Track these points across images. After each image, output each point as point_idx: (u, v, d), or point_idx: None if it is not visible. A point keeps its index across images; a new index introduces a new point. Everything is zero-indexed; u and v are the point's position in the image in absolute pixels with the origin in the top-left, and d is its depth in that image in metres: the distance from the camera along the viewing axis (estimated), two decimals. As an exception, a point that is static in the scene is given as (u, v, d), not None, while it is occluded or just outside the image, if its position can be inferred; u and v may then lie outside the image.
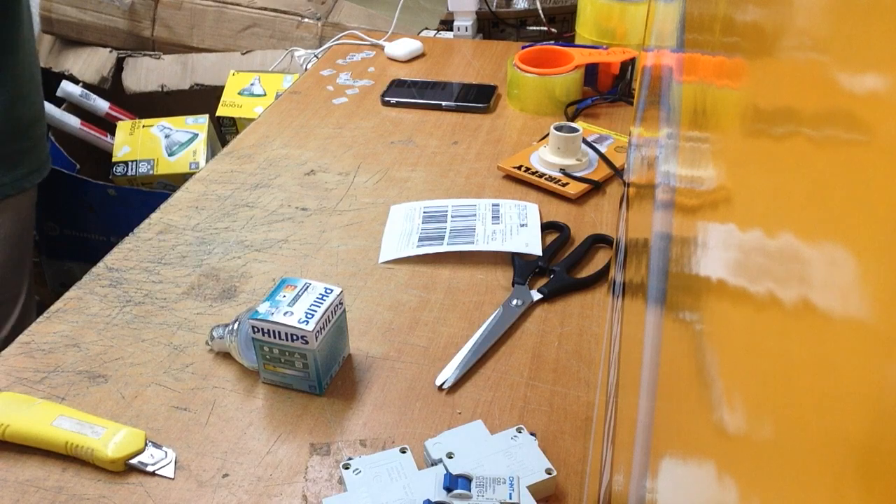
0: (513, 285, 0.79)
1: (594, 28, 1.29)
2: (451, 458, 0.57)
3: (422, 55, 1.38)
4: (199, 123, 1.62)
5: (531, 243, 0.84)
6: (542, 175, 0.96)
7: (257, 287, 0.80)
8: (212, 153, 1.60)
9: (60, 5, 1.78)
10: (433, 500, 0.53)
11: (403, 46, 1.36)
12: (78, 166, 1.53)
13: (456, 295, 0.78)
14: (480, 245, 0.84)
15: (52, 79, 1.71)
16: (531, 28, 1.60)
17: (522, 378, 0.68)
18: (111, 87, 1.75)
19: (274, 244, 0.86)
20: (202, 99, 1.73)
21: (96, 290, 0.79)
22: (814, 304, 0.14)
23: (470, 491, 0.53)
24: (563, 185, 0.94)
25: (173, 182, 1.52)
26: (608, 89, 1.20)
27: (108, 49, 1.80)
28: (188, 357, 0.70)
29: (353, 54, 1.40)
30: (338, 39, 1.48)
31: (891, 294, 0.11)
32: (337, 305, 0.66)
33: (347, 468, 0.57)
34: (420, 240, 0.85)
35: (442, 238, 0.85)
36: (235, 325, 0.67)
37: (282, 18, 1.89)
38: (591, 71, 1.19)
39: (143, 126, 1.60)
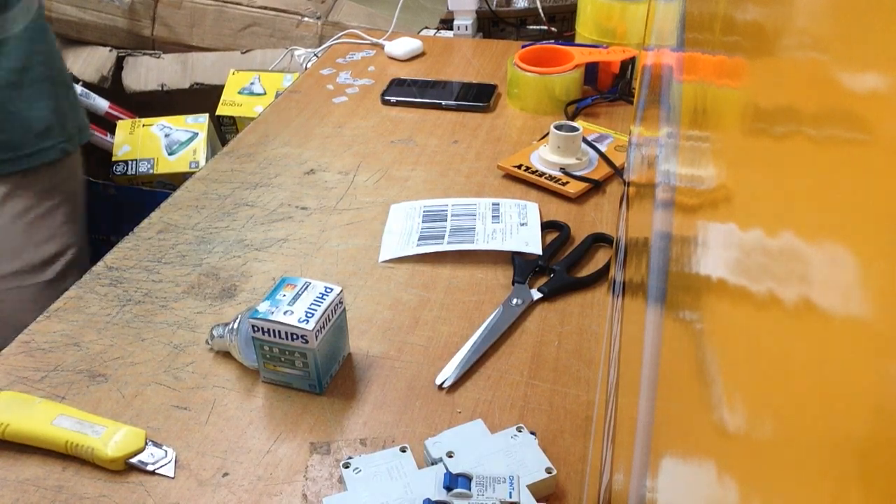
0: (513, 284, 0.79)
1: (594, 27, 1.29)
2: (451, 457, 0.57)
3: (422, 54, 1.38)
4: (198, 122, 1.62)
5: (531, 242, 0.84)
6: (542, 174, 0.96)
7: (257, 286, 0.80)
8: (212, 152, 1.61)
9: (60, 4, 1.78)
10: (433, 499, 0.53)
11: (403, 45, 1.36)
12: (78, 165, 1.53)
13: (456, 294, 0.78)
14: (480, 244, 0.84)
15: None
16: (531, 27, 1.60)
17: (522, 377, 0.68)
18: (111, 86, 1.75)
19: (274, 243, 0.86)
20: (202, 98, 1.73)
21: (96, 289, 0.79)
22: (814, 303, 0.14)
23: (470, 490, 0.53)
24: (563, 184, 0.94)
25: (173, 181, 1.52)
26: (608, 88, 1.20)
27: (108, 48, 1.80)
28: (188, 356, 0.70)
29: (353, 53, 1.40)
30: (338, 38, 1.47)
31: (891, 293, 0.11)
32: (337, 304, 0.66)
33: (347, 467, 0.57)
34: (420, 239, 0.85)
35: (442, 237, 0.85)
36: (235, 325, 0.67)
37: (282, 17, 1.89)
38: (592, 70, 1.19)
39: (143, 125, 1.60)
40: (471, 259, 0.83)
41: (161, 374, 0.68)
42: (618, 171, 0.97)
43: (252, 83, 1.67)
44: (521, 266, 0.81)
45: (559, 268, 0.81)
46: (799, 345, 0.14)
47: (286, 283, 0.66)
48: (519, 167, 0.98)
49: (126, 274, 0.81)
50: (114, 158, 1.54)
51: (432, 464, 0.58)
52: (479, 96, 1.19)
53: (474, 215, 0.89)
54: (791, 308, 0.15)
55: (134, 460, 0.59)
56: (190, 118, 1.62)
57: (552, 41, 1.27)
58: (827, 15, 0.15)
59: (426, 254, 0.83)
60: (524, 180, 0.97)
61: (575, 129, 0.97)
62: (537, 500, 0.54)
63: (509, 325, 0.73)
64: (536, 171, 0.97)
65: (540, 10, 1.55)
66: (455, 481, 0.54)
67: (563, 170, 0.96)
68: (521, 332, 0.73)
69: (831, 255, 0.13)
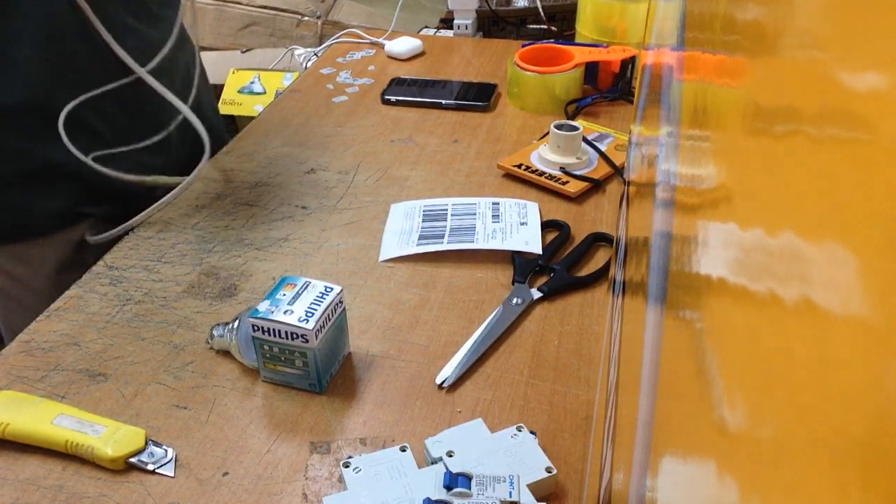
0: (513, 284, 0.79)
1: (594, 26, 1.29)
2: (451, 456, 0.57)
3: (422, 53, 1.38)
4: (198, 122, 1.61)
5: (531, 242, 0.84)
6: (542, 173, 0.96)
7: (257, 285, 0.80)
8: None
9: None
10: (433, 498, 0.53)
11: (403, 45, 1.36)
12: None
13: (456, 293, 0.78)
14: (480, 243, 0.84)
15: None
16: (531, 26, 1.60)
17: (522, 376, 0.68)
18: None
19: (274, 242, 0.86)
20: (202, 97, 1.73)
21: (96, 288, 0.79)
22: (814, 302, 0.14)
23: (470, 489, 0.53)
24: (563, 183, 0.94)
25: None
26: (608, 88, 1.20)
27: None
28: (188, 356, 0.70)
29: (353, 52, 1.40)
30: (338, 38, 1.47)
31: (891, 292, 0.11)
32: (337, 304, 0.66)
33: (347, 467, 0.57)
34: (420, 238, 0.85)
35: (442, 236, 0.85)
36: (235, 324, 0.67)
37: (282, 17, 1.89)
38: (592, 69, 1.19)
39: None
40: (471, 258, 0.83)
41: (161, 374, 0.68)
42: (618, 171, 0.97)
43: (252, 82, 1.67)
44: (521, 265, 0.81)
45: (559, 267, 0.81)
46: (799, 344, 0.14)
47: (286, 283, 0.66)
48: (519, 166, 0.98)
49: (126, 273, 0.81)
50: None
51: (432, 463, 0.58)
52: (479, 96, 1.19)
53: (474, 215, 0.89)
54: (791, 307, 0.15)
55: (134, 460, 0.59)
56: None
57: (552, 40, 1.27)
58: (827, 14, 0.15)
59: (426, 253, 0.83)
60: (524, 179, 0.97)
61: (575, 128, 0.97)
62: (537, 500, 0.54)
63: (509, 325, 0.73)
64: (536, 170, 0.97)
65: (540, 10, 1.55)
66: (455, 481, 0.54)
67: (563, 169, 0.96)
68: (521, 332, 0.73)
69: (831, 254, 0.13)
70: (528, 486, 0.54)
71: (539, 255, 0.82)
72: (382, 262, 0.83)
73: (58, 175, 0.89)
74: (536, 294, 0.77)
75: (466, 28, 1.47)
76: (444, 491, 0.54)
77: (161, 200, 0.89)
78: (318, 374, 0.64)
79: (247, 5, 1.89)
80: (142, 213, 0.89)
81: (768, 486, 0.15)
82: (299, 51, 1.69)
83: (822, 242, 0.14)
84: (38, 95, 0.84)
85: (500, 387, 0.67)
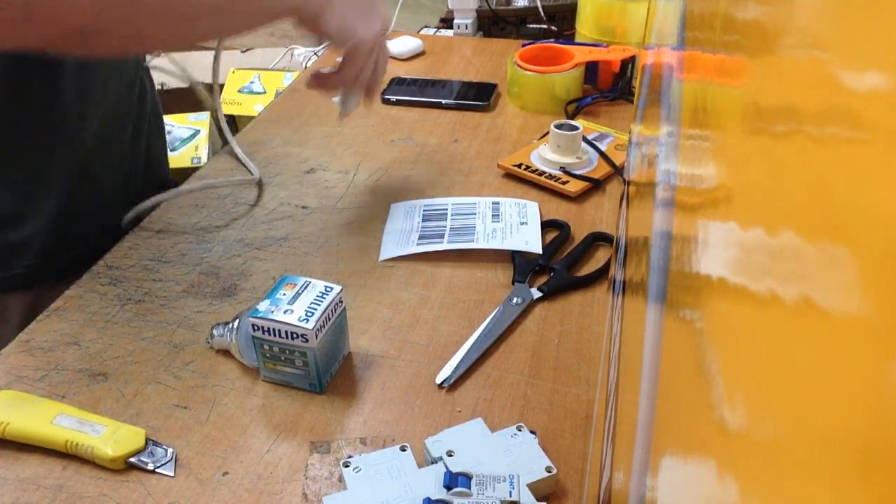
0: (513, 283, 0.79)
1: (594, 26, 1.29)
2: (451, 456, 0.57)
3: (422, 53, 1.38)
4: (200, 120, 1.62)
5: (531, 241, 0.84)
6: (542, 173, 0.96)
7: (257, 285, 0.79)
8: (212, 151, 1.61)
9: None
10: (433, 497, 0.53)
11: (403, 44, 1.36)
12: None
13: (456, 293, 0.78)
14: (480, 243, 0.84)
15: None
16: (531, 26, 1.60)
17: (522, 376, 0.68)
18: (111, 85, 1.75)
19: (274, 242, 0.86)
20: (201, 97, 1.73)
21: (96, 288, 0.79)
22: (814, 302, 0.14)
23: (470, 489, 0.53)
24: (564, 183, 0.94)
25: (175, 177, 1.52)
26: (608, 87, 1.20)
27: (108, 47, 1.79)
28: (188, 355, 0.70)
29: (353, 52, 1.40)
30: (338, 37, 1.47)
31: (891, 292, 0.11)
32: (337, 304, 0.66)
33: (347, 466, 0.57)
34: (420, 238, 0.85)
35: (442, 236, 0.85)
36: (235, 324, 0.67)
37: (282, 16, 1.89)
38: (592, 69, 1.19)
39: (143, 124, 1.59)
40: (471, 258, 0.83)
41: (161, 373, 0.68)
42: (618, 170, 0.97)
43: (252, 82, 1.67)
44: (521, 265, 0.81)
45: (559, 267, 0.81)
46: (799, 344, 0.14)
47: (286, 282, 0.66)
48: (519, 166, 0.98)
49: (126, 273, 0.81)
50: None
51: (432, 463, 0.58)
52: (479, 95, 1.19)
53: (474, 214, 0.89)
54: (791, 307, 0.15)
55: (134, 459, 0.59)
56: (192, 116, 1.62)
57: (552, 40, 1.27)
58: (827, 13, 0.15)
59: (426, 253, 0.83)
60: (524, 179, 0.97)
61: (575, 127, 0.97)
62: (537, 499, 0.54)
63: (509, 325, 0.73)
64: (536, 170, 0.97)
65: (540, 9, 1.55)
66: (455, 480, 0.54)
67: (563, 169, 0.96)
68: (521, 331, 0.73)
69: (831, 254, 0.13)
70: (528, 485, 0.54)
71: (539, 254, 0.82)
72: (382, 261, 0.83)
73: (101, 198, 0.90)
74: (536, 294, 0.77)
75: (466, 28, 1.47)
76: (444, 490, 0.54)
77: (197, 183, 0.91)
78: (318, 373, 0.64)
79: (247, 5, 1.88)
80: (170, 190, 0.91)
81: (768, 486, 0.15)
82: (299, 50, 1.69)
83: (822, 242, 0.14)
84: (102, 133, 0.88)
85: (500, 386, 0.67)
